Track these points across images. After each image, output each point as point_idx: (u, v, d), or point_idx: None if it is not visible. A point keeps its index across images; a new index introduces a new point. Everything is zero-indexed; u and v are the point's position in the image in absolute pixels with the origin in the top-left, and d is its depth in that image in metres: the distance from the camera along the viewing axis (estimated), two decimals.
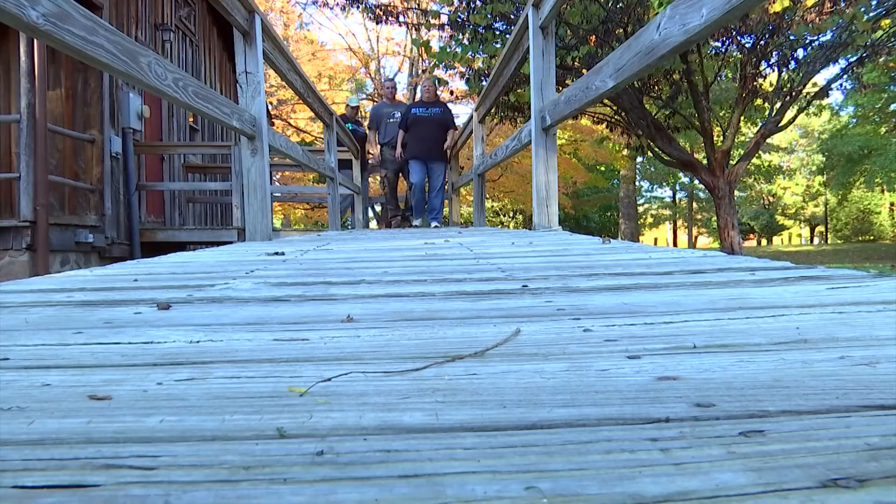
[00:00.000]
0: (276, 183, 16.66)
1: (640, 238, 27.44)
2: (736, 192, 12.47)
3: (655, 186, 32.44)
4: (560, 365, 0.68)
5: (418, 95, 7.63)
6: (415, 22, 9.72)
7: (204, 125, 9.50)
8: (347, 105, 9.31)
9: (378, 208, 10.58)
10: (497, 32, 8.32)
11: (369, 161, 8.38)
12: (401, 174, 8.12)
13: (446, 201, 8.38)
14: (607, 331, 0.85)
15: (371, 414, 0.53)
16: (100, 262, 6.13)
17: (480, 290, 1.28)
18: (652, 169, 25.92)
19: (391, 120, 7.91)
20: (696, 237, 34.11)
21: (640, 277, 1.38)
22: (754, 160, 18.97)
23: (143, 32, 7.38)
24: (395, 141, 7.60)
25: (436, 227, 7.04)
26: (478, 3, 8.25)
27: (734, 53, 8.57)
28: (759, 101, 9.02)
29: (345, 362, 0.72)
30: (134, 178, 6.68)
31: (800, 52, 8.35)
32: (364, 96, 20.06)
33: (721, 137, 9.64)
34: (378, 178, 9.61)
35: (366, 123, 8.48)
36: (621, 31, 7.69)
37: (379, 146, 7.95)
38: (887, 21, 7.75)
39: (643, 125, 8.84)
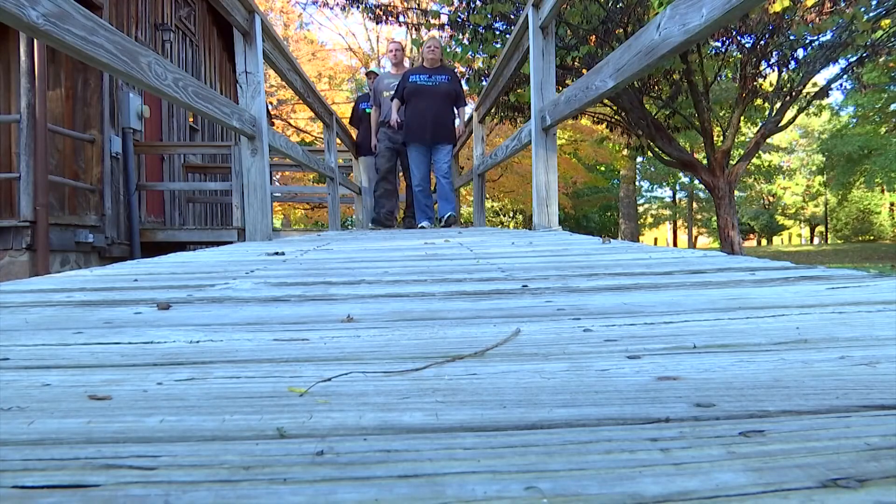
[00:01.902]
0: (276, 183, 16.66)
1: (640, 238, 27.44)
2: (736, 192, 12.48)
3: (655, 186, 32.46)
4: (560, 365, 0.68)
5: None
6: (415, 22, 9.72)
7: (204, 125, 9.50)
8: (372, 73, 7.97)
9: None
10: (497, 32, 8.32)
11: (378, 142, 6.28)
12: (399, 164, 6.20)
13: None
14: (607, 331, 0.85)
15: (371, 414, 0.53)
16: (100, 262, 6.14)
17: (480, 290, 1.28)
18: (652, 169, 25.92)
19: (390, 93, 6.02)
20: (696, 237, 34.11)
21: (640, 277, 1.38)
22: (754, 160, 18.98)
23: (143, 32, 7.38)
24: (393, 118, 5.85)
25: (450, 216, 5.53)
26: (478, 3, 8.25)
27: (734, 53, 8.57)
28: (759, 101, 9.02)
29: (345, 362, 0.72)
30: (134, 178, 6.68)
31: (800, 52, 8.35)
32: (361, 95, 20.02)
33: (721, 137, 9.65)
34: None
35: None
36: (621, 31, 7.70)
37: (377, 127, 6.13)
38: (887, 21, 7.75)
39: (643, 125, 8.84)
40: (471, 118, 6.62)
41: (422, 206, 5.73)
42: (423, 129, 5.48)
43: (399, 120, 5.69)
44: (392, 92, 5.88)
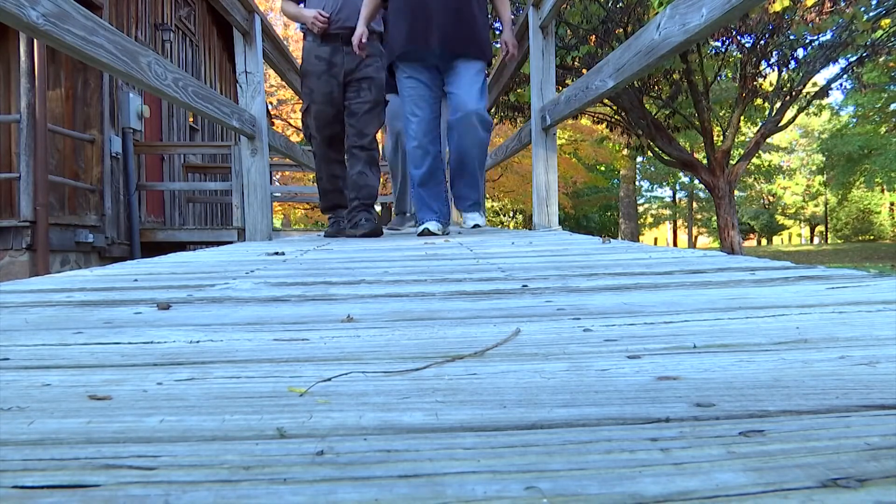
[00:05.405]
0: (276, 183, 16.65)
1: (640, 238, 27.45)
2: (736, 192, 12.49)
3: (655, 186, 32.47)
4: (560, 365, 0.68)
5: None
6: None
7: (204, 125, 9.50)
8: None
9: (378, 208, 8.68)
10: (497, 32, 8.32)
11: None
12: (345, 109, 3.35)
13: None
14: (607, 331, 0.85)
15: (371, 414, 0.53)
16: (100, 262, 6.14)
17: (480, 289, 1.28)
18: (652, 169, 25.94)
19: None
20: (696, 237, 34.13)
21: (640, 277, 1.38)
22: (754, 160, 18.99)
23: (143, 32, 7.38)
24: (337, 15, 3.25)
25: (475, 226, 3.47)
26: None
27: (734, 53, 8.58)
28: (759, 101, 9.04)
29: (345, 362, 0.72)
30: (134, 178, 6.68)
31: (800, 52, 8.37)
32: None
33: (721, 137, 9.65)
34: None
35: None
36: (621, 31, 7.70)
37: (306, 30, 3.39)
38: (887, 21, 7.76)
39: (643, 125, 8.85)
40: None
41: (423, 190, 3.24)
42: (426, 32, 3.00)
43: (363, 38, 3.09)
44: None
